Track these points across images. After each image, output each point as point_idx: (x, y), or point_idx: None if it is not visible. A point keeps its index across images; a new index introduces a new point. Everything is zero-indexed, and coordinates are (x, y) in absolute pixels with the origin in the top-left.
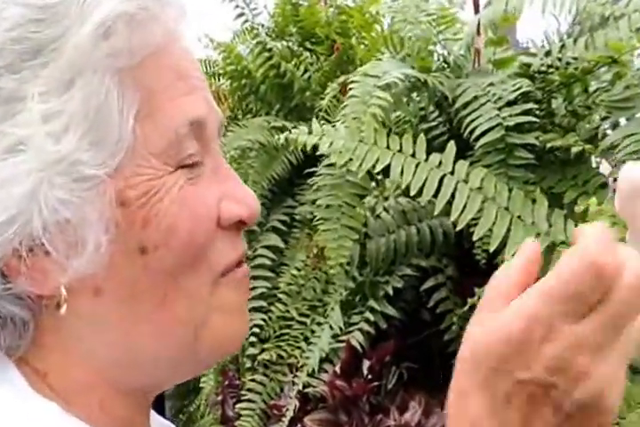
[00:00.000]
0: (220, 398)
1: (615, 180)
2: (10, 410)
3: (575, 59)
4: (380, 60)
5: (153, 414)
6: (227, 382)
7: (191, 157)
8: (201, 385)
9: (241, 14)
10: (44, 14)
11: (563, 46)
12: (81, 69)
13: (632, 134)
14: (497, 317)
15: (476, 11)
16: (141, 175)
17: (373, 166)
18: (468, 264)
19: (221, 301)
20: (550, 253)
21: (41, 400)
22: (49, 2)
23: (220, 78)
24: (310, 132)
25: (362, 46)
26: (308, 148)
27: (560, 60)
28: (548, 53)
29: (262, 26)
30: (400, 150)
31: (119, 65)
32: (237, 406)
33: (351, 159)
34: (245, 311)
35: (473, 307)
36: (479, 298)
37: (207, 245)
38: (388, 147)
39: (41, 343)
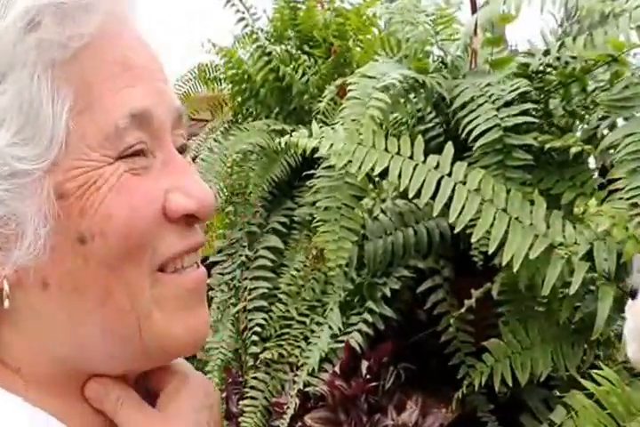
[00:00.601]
0: (224, 394)
1: (611, 180)
2: None
3: (574, 58)
4: (376, 61)
5: None
6: (230, 380)
7: (132, 147)
8: None
9: (242, 19)
10: None
11: (562, 45)
12: (9, 63)
13: (632, 134)
14: None
15: (474, 11)
16: (79, 168)
17: (372, 168)
18: (465, 266)
19: (164, 299)
20: (548, 254)
21: (5, 395)
22: None
23: (222, 83)
24: (310, 135)
25: (359, 49)
26: (308, 151)
27: (559, 59)
28: (546, 53)
29: (262, 30)
30: (398, 152)
31: (50, 58)
32: (241, 402)
33: (350, 161)
34: (194, 315)
35: (469, 308)
36: (476, 300)
37: (147, 237)
38: (386, 149)
39: (6, 339)
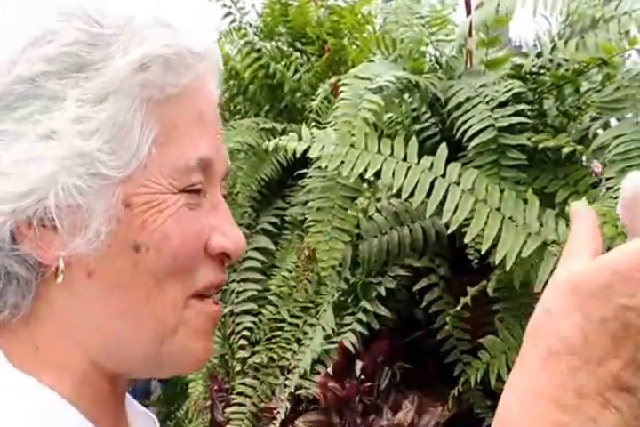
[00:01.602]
0: (208, 402)
1: (606, 180)
2: None
3: (566, 60)
4: (371, 61)
5: (130, 399)
6: (215, 387)
7: (194, 186)
8: (189, 391)
9: (228, 13)
10: (97, 40)
11: (554, 47)
12: (115, 90)
13: (622, 135)
14: (593, 259)
15: (468, 12)
16: (148, 187)
17: (365, 171)
18: (461, 264)
19: (190, 321)
20: (541, 252)
21: (20, 375)
22: (103, 32)
23: None
24: (300, 138)
25: (353, 47)
26: (298, 154)
27: (551, 61)
28: (539, 55)
29: (250, 25)
30: (391, 154)
31: (148, 95)
32: (227, 410)
33: (342, 163)
34: (208, 340)
35: (465, 306)
36: (471, 297)
37: (192, 262)
38: (379, 151)
39: (36, 316)
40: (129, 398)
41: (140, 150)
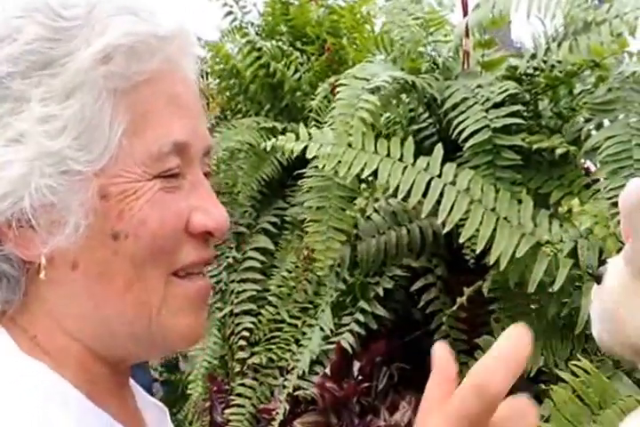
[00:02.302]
0: (208, 404)
1: (598, 180)
2: (1, 368)
3: (559, 62)
4: (370, 61)
5: (139, 390)
6: (215, 388)
7: (170, 171)
8: (189, 392)
9: (229, 13)
10: (59, 35)
11: (548, 49)
12: (80, 84)
13: (613, 136)
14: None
15: (465, 13)
16: (123, 177)
17: (361, 171)
18: (458, 264)
19: (174, 298)
20: (535, 252)
21: (30, 360)
22: (64, 25)
23: (209, 77)
24: (297, 138)
25: (353, 47)
26: (296, 154)
27: (545, 62)
28: (533, 56)
29: (252, 24)
30: (388, 154)
31: (114, 86)
32: (226, 411)
33: (339, 163)
34: (195, 316)
35: (462, 307)
36: (468, 298)
37: (171, 244)
38: (375, 151)
39: (29, 308)
40: (139, 389)
41: (111, 142)
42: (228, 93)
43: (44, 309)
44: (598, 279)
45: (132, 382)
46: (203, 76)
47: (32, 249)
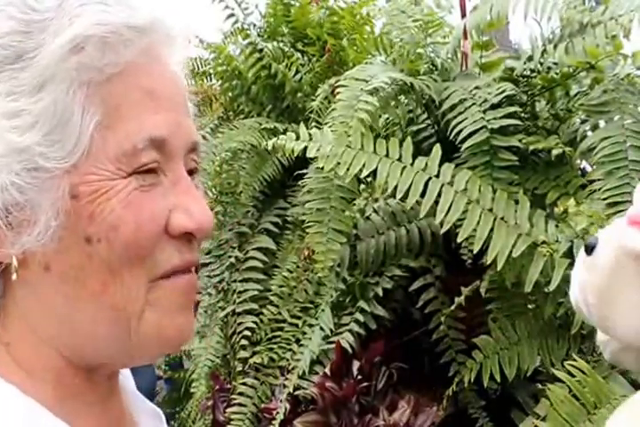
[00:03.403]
0: (210, 402)
1: (594, 181)
2: None
3: (556, 64)
4: (369, 62)
5: (135, 395)
6: (218, 387)
7: (146, 166)
8: (192, 390)
9: (231, 15)
10: (30, 27)
11: (544, 51)
12: (51, 77)
13: (608, 137)
14: None
15: (463, 15)
16: (95, 175)
17: (360, 171)
18: (456, 264)
19: (157, 301)
20: (532, 252)
21: (0, 383)
22: (34, 17)
23: (212, 78)
24: (298, 138)
25: (353, 48)
26: (296, 153)
27: (542, 64)
28: (530, 58)
29: (253, 26)
30: (387, 155)
31: (86, 79)
32: (228, 410)
33: (339, 163)
34: (184, 316)
35: (460, 306)
36: (466, 298)
37: (148, 249)
38: (374, 151)
39: (5, 310)
40: (138, 395)
41: (83, 137)
42: (230, 94)
43: (19, 314)
44: (588, 249)
45: (126, 386)
46: (205, 78)
47: (1, 250)
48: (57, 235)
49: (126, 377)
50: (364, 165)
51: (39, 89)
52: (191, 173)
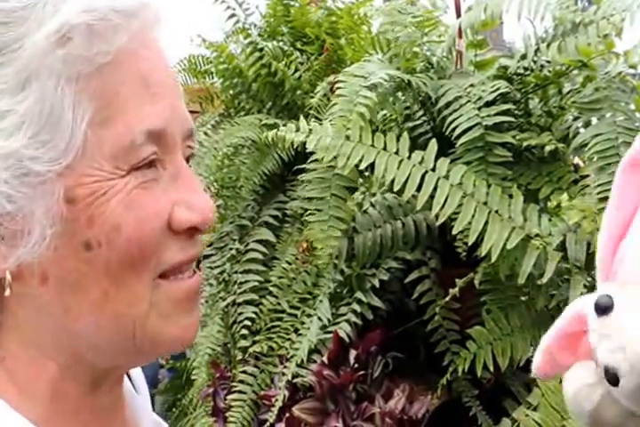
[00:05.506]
0: (211, 390)
1: (586, 176)
2: None
3: (549, 62)
4: (368, 60)
5: (143, 407)
6: (218, 375)
7: (145, 159)
8: (193, 377)
9: (232, 15)
10: (8, 18)
11: (537, 50)
12: (36, 72)
13: (600, 134)
14: None
15: (458, 15)
16: (91, 176)
17: (359, 163)
18: (451, 257)
19: (162, 305)
20: (525, 245)
21: None
22: (15, 5)
23: (213, 76)
24: (298, 130)
25: (351, 47)
26: (295, 145)
27: (535, 62)
28: (523, 57)
29: (254, 26)
30: (384, 148)
31: (75, 71)
32: (228, 397)
33: (338, 156)
34: (189, 317)
35: (455, 298)
36: (460, 289)
37: (152, 248)
38: (372, 144)
39: (1, 325)
40: (141, 405)
41: (75, 135)
42: (231, 92)
43: (17, 328)
44: (602, 309)
45: (131, 397)
46: (207, 76)
47: None
48: (54, 244)
49: (137, 380)
50: (362, 157)
51: (23, 86)
52: (188, 159)
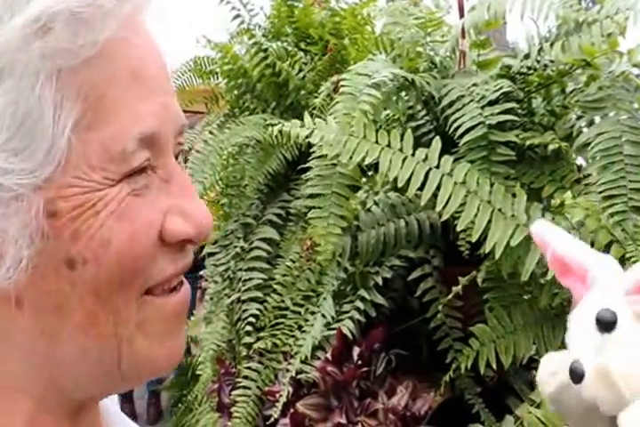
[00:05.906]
0: (216, 385)
1: (589, 175)
2: None
3: (552, 61)
4: (372, 59)
5: (122, 419)
6: (223, 371)
7: (138, 168)
8: (198, 373)
9: (237, 16)
10: None
11: (541, 49)
12: (9, 68)
13: (604, 133)
14: None
15: (461, 15)
16: (77, 187)
17: (363, 159)
18: (454, 255)
19: (147, 324)
20: (528, 243)
21: None
22: None
23: (218, 77)
24: (302, 126)
25: (354, 47)
26: (300, 139)
27: (538, 62)
28: (527, 56)
29: (259, 27)
30: (388, 145)
31: (56, 66)
32: (233, 393)
33: (341, 152)
34: (175, 339)
35: (458, 295)
36: (463, 287)
37: (145, 263)
38: (376, 141)
39: None
40: (122, 417)
41: (57, 142)
42: (236, 92)
43: None
44: (604, 326)
45: (110, 411)
46: (212, 76)
47: None
48: (31, 264)
49: (111, 400)
50: (366, 154)
51: None
52: (177, 156)
